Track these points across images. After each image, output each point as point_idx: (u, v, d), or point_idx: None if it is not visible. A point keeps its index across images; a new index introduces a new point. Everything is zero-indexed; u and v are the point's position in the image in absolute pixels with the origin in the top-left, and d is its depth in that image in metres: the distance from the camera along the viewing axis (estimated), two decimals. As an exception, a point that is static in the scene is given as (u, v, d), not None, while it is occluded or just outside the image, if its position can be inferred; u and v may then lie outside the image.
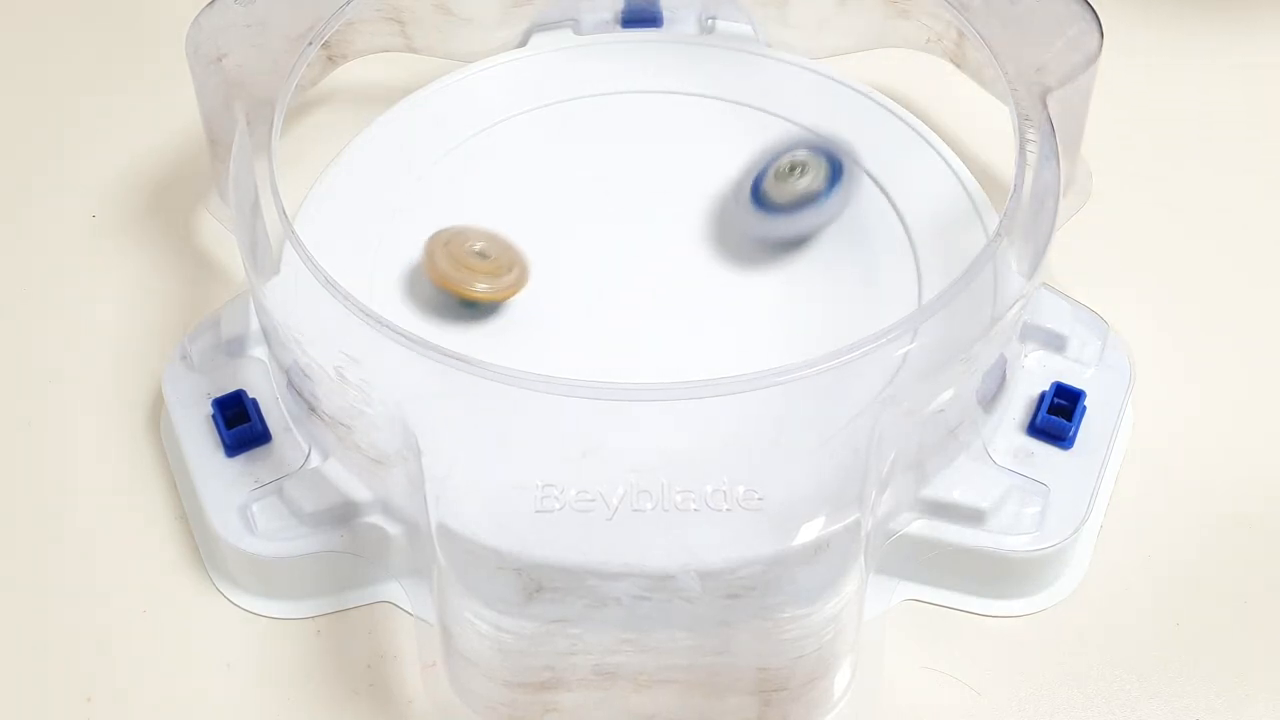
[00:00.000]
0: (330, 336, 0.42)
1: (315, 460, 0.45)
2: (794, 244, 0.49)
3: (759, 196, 0.49)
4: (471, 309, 0.47)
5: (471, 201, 0.50)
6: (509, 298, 0.47)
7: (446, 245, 0.47)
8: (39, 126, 0.58)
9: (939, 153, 0.51)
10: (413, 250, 0.49)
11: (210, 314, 0.49)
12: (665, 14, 0.56)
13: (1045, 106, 0.46)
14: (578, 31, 0.55)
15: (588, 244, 0.50)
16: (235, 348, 0.48)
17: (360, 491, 0.45)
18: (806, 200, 0.48)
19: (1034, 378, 0.47)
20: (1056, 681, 0.44)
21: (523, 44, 0.55)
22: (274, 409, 0.47)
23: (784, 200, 0.48)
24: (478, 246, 0.47)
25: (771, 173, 0.49)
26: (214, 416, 0.46)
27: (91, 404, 0.50)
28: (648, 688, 0.41)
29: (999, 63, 0.48)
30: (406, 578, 0.45)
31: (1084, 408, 0.47)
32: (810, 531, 0.39)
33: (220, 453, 0.46)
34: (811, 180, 0.48)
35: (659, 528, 0.40)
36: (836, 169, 0.48)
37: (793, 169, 0.48)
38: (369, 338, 0.42)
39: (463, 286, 0.47)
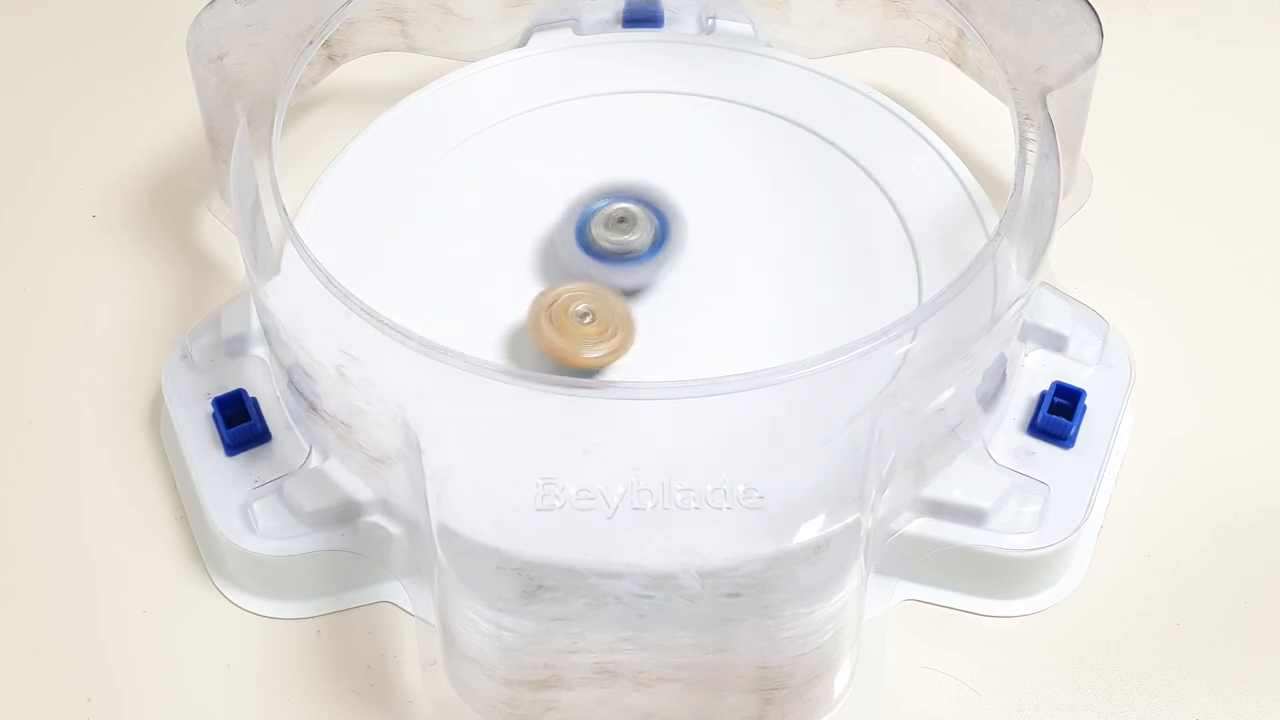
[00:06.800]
0: (331, 335, 0.42)
1: (316, 459, 0.45)
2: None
3: (584, 238, 0.48)
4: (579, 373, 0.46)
5: (471, 202, 0.50)
6: (615, 361, 0.46)
7: (550, 309, 0.46)
8: (39, 126, 0.58)
9: (939, 153, 0.51)
10: (414, 249, 0.49)
11: (211, 313, 0.49)
12: (665, 14, 0.56)
13: (1045, 106, 0.46)
14: (578, 31, 0.55)
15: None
16: (236, 347, 0.48)
17: (361, 491, 0.45)
18: (628, 255, 0.48)
19: (1034, 377, 0.47)
20: (1056, 681, 0.44)
21: (523, 44, 0.55)
22: (274, 408, 0.47)
23: (607, 248, 0.48)
24: (580, 308, 0.46)
25: (599, 218, 0.48)
26: (214, 415, 0.46)
27: (91, 403, 0.50)
28: (648, 686, 0.41)
29: (999, 62, 0.48)
30: (407, 577, 0.45)
31: (1084, 407, 0.47)
32: (810, 530, 0.40)
33: (220, 452, 0.46)
34: (638, 237, 0.48)
35: (659, 526, 0.40)
36: (664, 230, 0.48)
37: (621, 220, 0.48)
38: (370, 336, 0.42)
39: (572, 356, 0.46)
